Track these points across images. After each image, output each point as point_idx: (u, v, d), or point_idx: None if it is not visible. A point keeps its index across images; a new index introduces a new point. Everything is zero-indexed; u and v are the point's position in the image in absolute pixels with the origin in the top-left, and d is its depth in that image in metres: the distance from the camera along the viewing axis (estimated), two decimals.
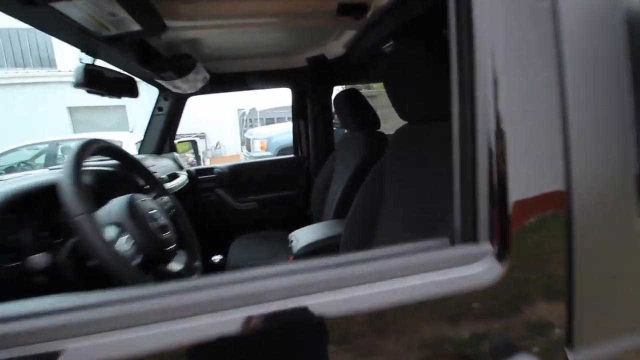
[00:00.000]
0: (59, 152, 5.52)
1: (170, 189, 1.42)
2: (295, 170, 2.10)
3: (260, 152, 5.99)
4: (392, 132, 1.09)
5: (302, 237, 1.28)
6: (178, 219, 0.95)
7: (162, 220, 0.80)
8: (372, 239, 1.03)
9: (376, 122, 1.56)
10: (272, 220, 2.05)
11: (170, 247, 0.78)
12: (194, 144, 2.12)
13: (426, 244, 0.43)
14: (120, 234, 0.66)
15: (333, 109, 1.88)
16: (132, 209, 0.71)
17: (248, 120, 12.02)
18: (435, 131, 0.81)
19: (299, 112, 2.05)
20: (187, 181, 1.78)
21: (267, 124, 10.47)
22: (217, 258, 1.27)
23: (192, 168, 1.94)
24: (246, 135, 7.09)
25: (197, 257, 0.93)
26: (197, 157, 2.13)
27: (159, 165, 1.50)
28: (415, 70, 0.80)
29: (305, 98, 1.99)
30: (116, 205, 0.71)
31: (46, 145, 5.52)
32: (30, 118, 8.98)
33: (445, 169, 0.75)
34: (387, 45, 1.33)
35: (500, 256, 0.40)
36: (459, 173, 0.42)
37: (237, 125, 11.89)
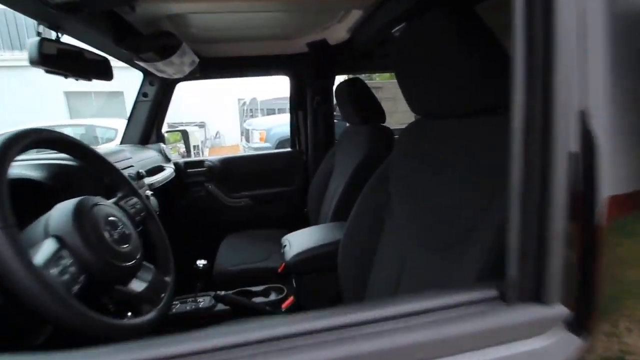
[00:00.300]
0: None
1: (151, 184, 1.28)
2: (292, 165, 1.96)
3: (259, 144, 5.84)
4: (397, 127, 0.95)
5: (295, 242, 1.14)
6: (148, 224, 0.81)
7: (124, 228, 0.66)
8: (376, 244, 0.89)
9: (381, 115, 1.41)
10: (265, 218, 1.92)
11: (132, 261, 0.64)
12: (184, 134, 1.97)
13: (466, 297, 0.29)
14: (59, 251, 0.52)
15: (334, 100, 1.73)
16: (79, 217, 0.57)
17: (249, 110, 11.85)
18: (458, 128, 0.67)
19: (297, 103, 1.89)
20: (174, 175, 1.64)
21: (268, 114, 10.30)
22: (201, 263, 1.13)
23: (181, 160, 1.80)
24: (245, 125, 6.94)
25: (170, 270, 0.79)
26: (188, 148, 1.99)
27: (139, 158, 1.36)
28: (435, 52, 0.65)
29: (304, 87, 1.83)
30: (59, 212, 0.57)
31: None
32: (27, 102, 8.81)
33: (471, 175, 0.61)
34: (398, 28, 1.17)
35: (579, 325, 0.27)
36: (520, 190, 0.28)
37: (238, 115, 11.72)
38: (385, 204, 0.89)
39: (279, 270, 1.21)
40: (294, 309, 1.06)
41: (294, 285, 1.18)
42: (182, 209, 1.79)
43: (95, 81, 1.01)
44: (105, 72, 1.06)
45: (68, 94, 10.29)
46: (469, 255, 0.55)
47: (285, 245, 1.16)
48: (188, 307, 1.16)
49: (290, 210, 1.95)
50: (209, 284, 1.34)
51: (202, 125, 10.53)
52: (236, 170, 1.88)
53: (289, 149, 2.03)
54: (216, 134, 11.10)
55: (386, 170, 0.91)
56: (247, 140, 6.33)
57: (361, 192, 0.98)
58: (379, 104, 1.41)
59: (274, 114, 10.02)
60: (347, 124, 1.66)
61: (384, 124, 1.43)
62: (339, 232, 1.15)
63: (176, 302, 1.19)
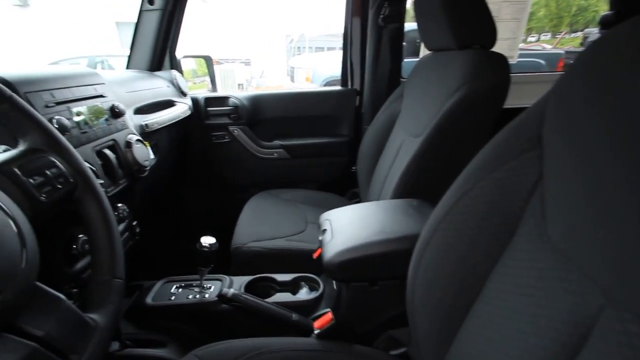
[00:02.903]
0: (98, 68, 5.32)
1: (144, 124, 0.92)
2: (341, 108, 1.49)
3: (303, 84, 5.32)
4: None
5: (341, 229, 0.75)
6: (82, 201, 0.45)
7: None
8: (492, 266, 0.46)
9: (492, 36, 0.88)
10: (302, 175, 1.53)
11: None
12: (208, 60, 1.57)
13: None
14: None
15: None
16: None
17: (296, 48, 11.10)
18: None
19: (353, 18, 1.35)
20: (189, 112, 1.28)
21: (317, 53, 9.54)
22: (207, 242, 0.79)
23: (200, 96, 1.41)
24: (289, 63, 6.37)
25: (117, 270, 0.44)
26: (213, 80, 1.60)
27: (131, 87, 0.98)
28: None
29: None
30: None
31: (85, 61, 5.30)
32: (77, 31, 8.93)
33: None
34: None
35: None
36: None
37: (285, 54, 11.09)
38: (529, 191, 0.43)
39: (315, 254, 0.84)
40: (331, 333, 0.70)
41: (334, 288, 0.82)
42: (199, 159, 1.46)
43: None
44: None
45: (119, 25, 10.27)
46: None
47: (324, 230, 0.77)
48: (191, 297, 0.86)
49: (334, 168, 1.54)
50: (226, 260, 1.03)
51: (247, 63, 10.10)
52: (269, 112, 1.47)
53: (337, 87, 1.55)
54: (262, 73, 10.64)
55: (537, 121, 0.44)
56: (292, 80, 5.82)
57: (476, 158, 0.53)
58: (490, 16, 0.86)
59: (322, 51, 9.26)
60: (422, 53, 1.14)
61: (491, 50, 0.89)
62: (415, 221, 0.73)
63: (180, 285, 0.90)
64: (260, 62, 10.63)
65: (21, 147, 0.40)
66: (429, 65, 1.05)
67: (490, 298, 0.46)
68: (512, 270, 0.44)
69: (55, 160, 0.42)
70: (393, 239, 0.68)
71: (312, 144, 1.49)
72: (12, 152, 0.39)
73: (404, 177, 0.90)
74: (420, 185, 0.89)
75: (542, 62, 4.65)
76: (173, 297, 0.86)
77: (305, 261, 0.98)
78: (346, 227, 0.75)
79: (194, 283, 0.90)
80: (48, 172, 0.40)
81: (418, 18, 1.01)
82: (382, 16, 1.20)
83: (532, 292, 0.40)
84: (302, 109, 1.48)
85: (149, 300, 0.84)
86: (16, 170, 0.37)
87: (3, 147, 0.44)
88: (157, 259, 1.22)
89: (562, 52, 5.09)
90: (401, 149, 1.05)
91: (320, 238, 0.77)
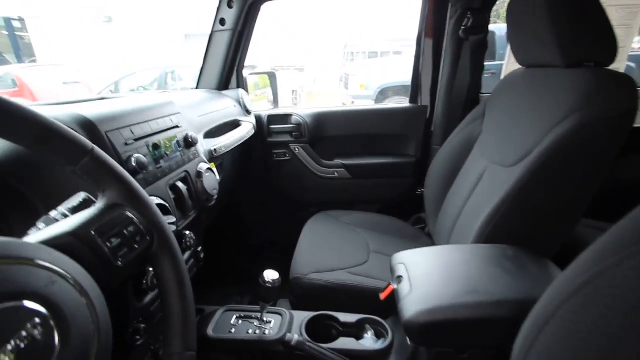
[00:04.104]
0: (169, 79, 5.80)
1: (213, 150, 0.90)
2: (409, 126, 1.38)
3: (357, 92, 5.24)
4: None
5: (420, 279, 0.65)
6: (158, 260, 0.42)
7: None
8: None
9: (611, 52, 0.72)
10: (363, 196, 1.45)
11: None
12: (272, 77, 1.56)
13: None
14: None
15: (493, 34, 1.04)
16: None
17: (349, 53, 11.05)
18: None
19: (428, 28, 1.24)
20: (253, 132, 1.26)
21: (370, 58, 9.41)
22: (270, 278, 0.75)
23: (264, 113, 1.40)
24: (344, 70, 6.34)
25: (190, 342, 0.40)
26: (276, 96, 1.59)
27: (202, 111, 0.98)
28: None
29: (445, 2, 1.16)
30: None
31: (158, 72, 5.78)
32: (151, 43, 9.82)
33: None
34: None
35: None
36: None
37: (339, 60, 11.12)
38: None
39: (382, 295, 0.75)
40: None
41: (407, 341, 0.72)
42: (260, 176, 1.44)
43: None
44: None
45: (188, 37, 11.10)
46: None
47: (399, 277, 0.68)
48: (250, 331, 0.82)
49: (398, 189, 1.43)
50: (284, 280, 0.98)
51: (301, 70, 10.30)
52: (331, 130, 1.41)
53: (405, 104, 1.45)
54: (314, 79, 10.77)
55: None
56: (346, 87, 5.78)
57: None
58: (612, 29, 0.71)
59: (376, 57, 9.12)
60: (507, 67, 0.99)
61: (609, 68, 0.73)
62: (515, 279, 0.60)
63: (240, 315, 0.87)
64: (314, 68, 10.77)
65: (100, 205, 0.38)
66: (522, 83, 0.91)
67: None
68: None
69: (133, 217, 0.39)
70: (488, 303, 0.57)
71: (375, 164, 1.40)
72: (90, 212, 0.36)
73: (493, 215, 0.76)
74: (514, 227, 0.76)
75: (633, 65, 4.04)
76: (233, 330, 0.83)
77: (368, 299, 0.90)
78: (427, 277, 0.66)
79: (254, 315, 0.86)
80: (125, 232, 0.37)
81: (511, 27, 0.87)
82: (463, 27, 1.08)
83: None
84: (367, 127, 1.40)
85: (210, 331, 0.82)
86: (94, 233, 0.35)
87: (83, 194, 0.43)
88: (217, 277, 1.23)
89: None
90: (483, 178, 0.92)
91: (395, 287, 0.68)
